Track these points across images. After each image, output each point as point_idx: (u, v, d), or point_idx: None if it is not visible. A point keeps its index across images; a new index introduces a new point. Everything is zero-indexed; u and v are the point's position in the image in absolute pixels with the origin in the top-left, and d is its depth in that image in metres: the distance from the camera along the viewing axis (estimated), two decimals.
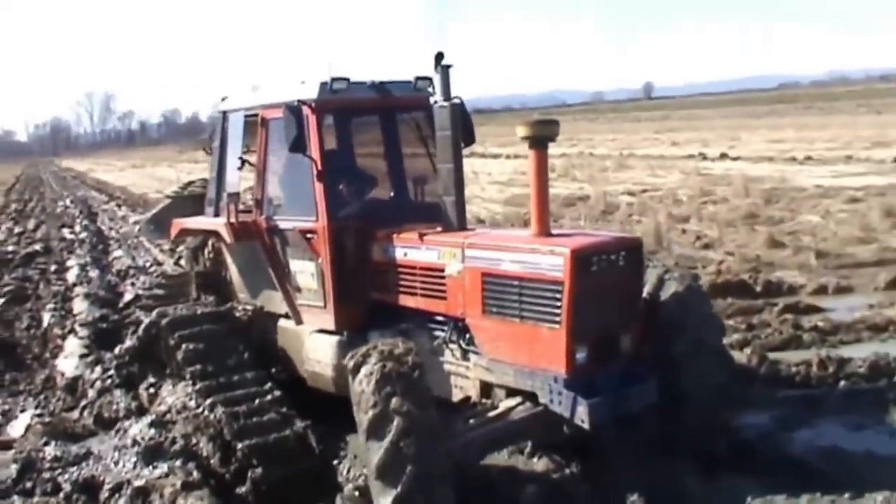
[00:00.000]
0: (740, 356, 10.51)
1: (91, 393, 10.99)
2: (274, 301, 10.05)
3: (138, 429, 9.40)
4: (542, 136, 7.39)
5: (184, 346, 9.44)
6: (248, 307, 10.43)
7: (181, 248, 14.06)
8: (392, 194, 10.31)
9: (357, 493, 7.30)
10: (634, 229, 20.07)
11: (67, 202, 47.16)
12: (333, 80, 8.94)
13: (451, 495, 6.35)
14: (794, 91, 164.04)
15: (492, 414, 7.45)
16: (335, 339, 9.02)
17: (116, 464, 8.96)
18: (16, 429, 10.80)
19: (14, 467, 9.25)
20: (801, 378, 10.09)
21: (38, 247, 27.61)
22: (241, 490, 7.92)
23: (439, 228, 8.37)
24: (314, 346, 9.30)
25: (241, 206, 10.10)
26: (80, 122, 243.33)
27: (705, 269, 15.93)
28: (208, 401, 8.70)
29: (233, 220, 9.81)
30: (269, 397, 8.74)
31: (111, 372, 11.12)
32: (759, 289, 14.46)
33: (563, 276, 6.83)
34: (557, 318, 6.89)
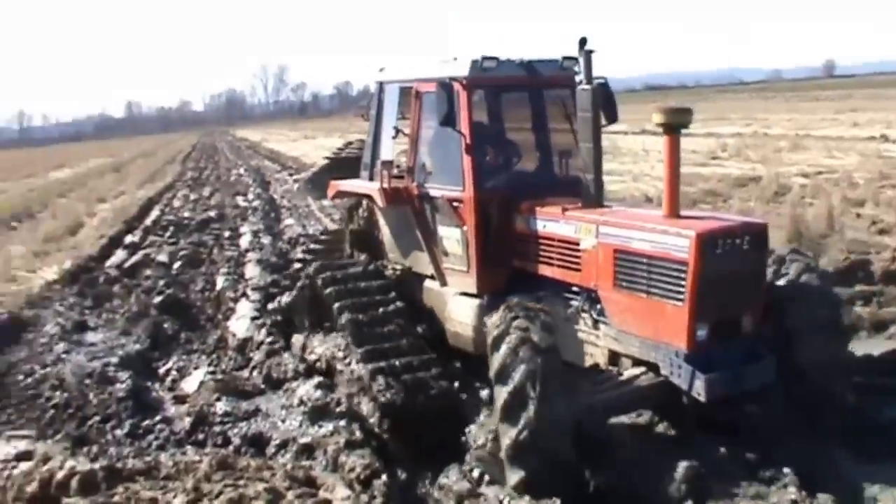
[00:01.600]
0: None
1: (260, 354, 11.44)
2: (421, 262, 10.81)
3: (305, 389, 9.76)
4: (675, 122, 7.88)
5: (339, 299, 10.05)
6: (397, 266, 11.19)
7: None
8: (535, 168, 10.84)
9: (488, 451, 7.71)
10: (806, 212, 19.42)
11: (241, 171, 48.57)
12: (484, 58, 9.51)
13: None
14: None
15: (617, 381, 8.13)
16: (476, 302, 9.76)
17: (283, 421, 9.35)
18: (189, 384, 11.35)
19: (188, 420, 9.78)
20: None
21: (212, 213, 28.79)
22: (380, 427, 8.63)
23: (579, 203, 8.90)
24: (456, 307, 10.07)
25: (393, 172, 10.60)
26: (255, 93, 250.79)
27: (879, 255, 15.26)
28: (358, 349, 9.37)
29: (386, 185, 10.51)
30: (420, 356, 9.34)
31: (269, 322, 12.02)
32: None
33: (688, 257, 7.33)
34: (681, 297, 7.42)
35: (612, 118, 9.80)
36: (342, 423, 8.79)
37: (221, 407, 9.93)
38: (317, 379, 9.98)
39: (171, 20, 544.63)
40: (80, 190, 46.35)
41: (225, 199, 33.53)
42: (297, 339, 11.14)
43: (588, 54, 8.60)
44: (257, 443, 9.06)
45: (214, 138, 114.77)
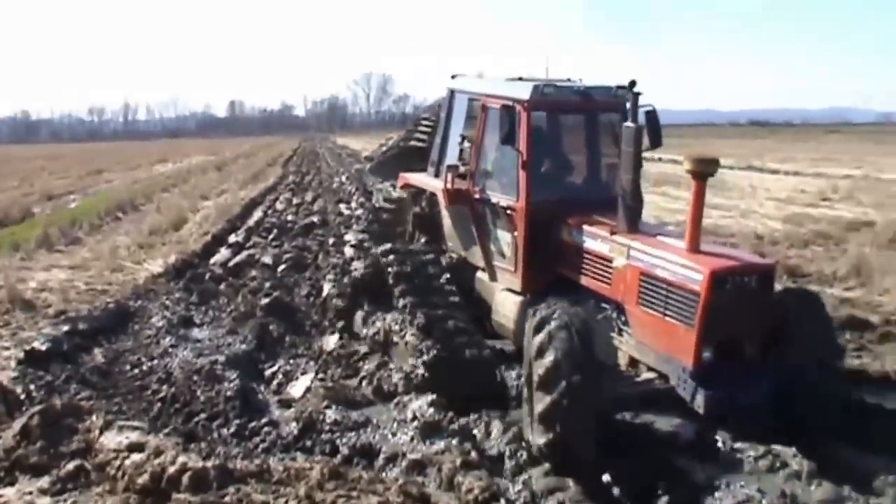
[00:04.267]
0: None
1: (370, 365, 11.45)
2: (475, 255, 12.24)
3: (417, 405, 9.65)
4: (703, 171, 8.60)
5: (398, 278, 11.48)
6: (454, 255, 12.73)
7: None
8: (583, 185, 11.94)
9: None
10: None
11: (343, 178, 48.22)
12: (545, 84, 10.88)
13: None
14: None
15: (634, 381, 9.38)
16: (520, 299, 11.00)
17: (394, 435, 9.23)
18: (295, 389, 11.28)
19: (294, 425, 9.68)
20: None
21: (315, 219, 28.64)
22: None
23: (618, 225, 9.87)
24: (502, 301, 11.36)
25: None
26: (357, 101, 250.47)
27: None
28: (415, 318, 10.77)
29: (450, 187, 11.96)
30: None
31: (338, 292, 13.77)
32: None
33: (700, 290, 8.30)
34: (691, 322, 8.41)
35: (656, 143, 10.77)
36: (454, 441, 8.70)
37: (331, 415, 9.83)
38: (430, 396, 9.90)
39: (278, 23, 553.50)
40: (183, 186, 47.15)
41: (328, 205, 33.27)
42: (359, 315, 12.71)
43: (635, 96, 9.64)
44: (366, 454, 8.93)
45: (315, 143, 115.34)
